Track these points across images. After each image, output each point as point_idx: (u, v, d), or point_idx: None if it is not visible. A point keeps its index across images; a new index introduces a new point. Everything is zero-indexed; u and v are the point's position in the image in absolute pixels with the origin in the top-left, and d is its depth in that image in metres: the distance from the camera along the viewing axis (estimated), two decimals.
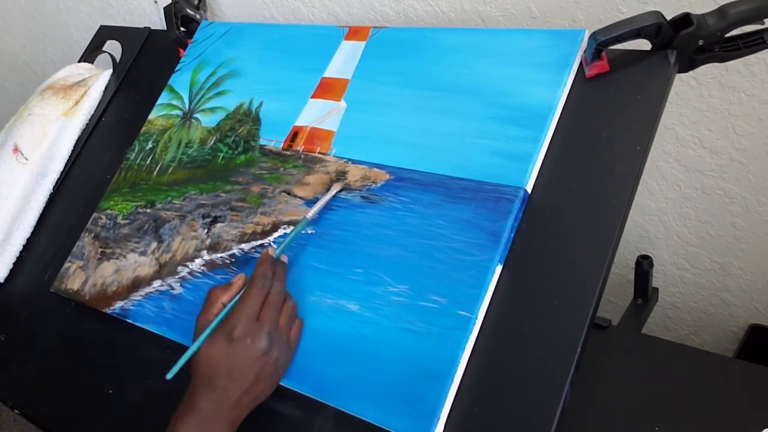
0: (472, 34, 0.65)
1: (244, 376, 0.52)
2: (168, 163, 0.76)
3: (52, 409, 0.68)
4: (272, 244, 0.64)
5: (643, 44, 0.58)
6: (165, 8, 0.88)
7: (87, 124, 0.89)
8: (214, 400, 0.52)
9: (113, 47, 0.97)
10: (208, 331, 0.54)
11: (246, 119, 0.74)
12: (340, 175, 0.64)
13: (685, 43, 0.55)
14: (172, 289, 0.66)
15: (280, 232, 0.64)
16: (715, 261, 0.87)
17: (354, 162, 0.64)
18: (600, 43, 0.56)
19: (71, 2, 1.27)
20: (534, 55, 0.61)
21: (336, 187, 0.63)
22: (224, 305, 0.56)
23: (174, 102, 0.81)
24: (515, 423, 0.49)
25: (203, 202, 0.70)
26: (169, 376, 0.52)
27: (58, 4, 1.29)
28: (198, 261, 0.67)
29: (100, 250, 0.74)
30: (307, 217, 0.61)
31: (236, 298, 0.56)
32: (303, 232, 0.62)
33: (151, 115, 0.82)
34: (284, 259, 0.59)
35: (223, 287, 0.58)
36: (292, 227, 0.63)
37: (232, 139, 0.73)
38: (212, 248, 0.67)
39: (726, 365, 0.65)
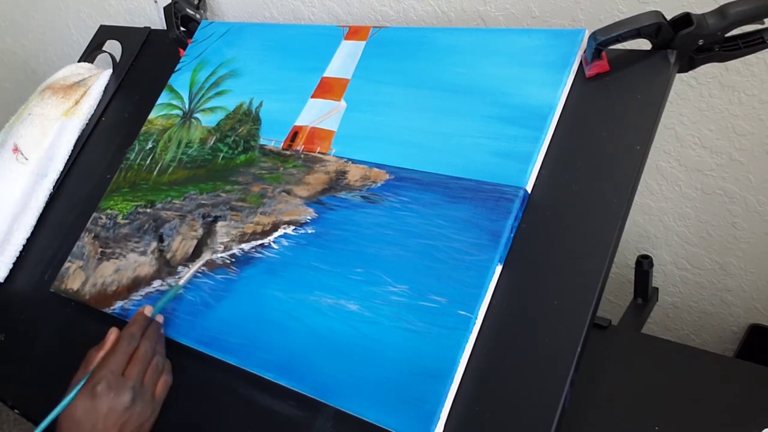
0: (472, 34, 0.65)
1: (108, 431, 0.53)
2: (168, 162, 0.76)
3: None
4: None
5: (643, 44, 0.57)
6: (165, 8, 0.88)
7: (87, 123, 0.89)
8: None
9: (113, 47, 0.97)
10: (78, 388, 0.55)
11: (246, 119, 0.74)
12: (340, 174, 0.64)
13: (685, 43, 0.55)
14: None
15: (280, 231, 0.64)
16: (715, 261, 0.87)
17: (354, 162, 0.64)
18: (600, 43, 0.56)
19: (71, 2, 1.27)
20: (534, 54, 0.61)
21: (207, 255, 0.65)
22: None
23: (174, 102, 0.81)
24: (515, 423, 0.49)
25: (203, 201, 0.70)
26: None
27: (58, 4, 1.29)
28: (198, 261, 0.67)
29: (100, 249, 0.74)
30: (179, 284, 0.64)
31: None
32: (309, 239, 0.62)
33: (151, 115, 0.82)
34: (159, 319, 0.62)
35: (98, 347, 0.59)
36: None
37: (232, 138, 0.73)
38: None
39: (726, 365, 0.65)
